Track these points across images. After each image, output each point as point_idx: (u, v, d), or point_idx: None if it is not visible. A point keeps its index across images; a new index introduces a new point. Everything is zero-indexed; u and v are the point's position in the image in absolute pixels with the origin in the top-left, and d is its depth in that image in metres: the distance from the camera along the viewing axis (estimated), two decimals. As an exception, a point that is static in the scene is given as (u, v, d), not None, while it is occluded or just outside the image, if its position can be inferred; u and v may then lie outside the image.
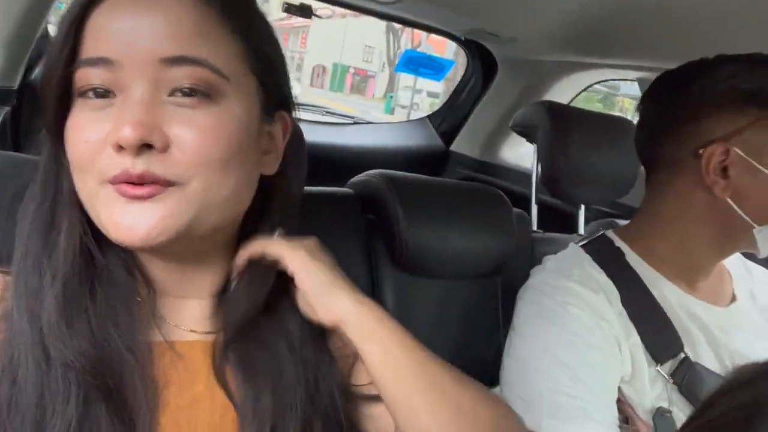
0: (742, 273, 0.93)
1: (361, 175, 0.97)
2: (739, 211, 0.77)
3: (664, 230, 0.85)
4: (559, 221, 1.33)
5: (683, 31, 1.05)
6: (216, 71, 0.49)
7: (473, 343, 0.96)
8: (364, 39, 21.48)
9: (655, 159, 0.86)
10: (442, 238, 0.92)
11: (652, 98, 0.87)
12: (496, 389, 0.81)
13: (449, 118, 1.97)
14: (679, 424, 0.75)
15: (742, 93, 0.77)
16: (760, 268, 0.97)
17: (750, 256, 0.99)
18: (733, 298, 0.88)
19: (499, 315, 0.98)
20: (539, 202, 1.45)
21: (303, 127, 0.72)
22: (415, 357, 0.56)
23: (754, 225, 0.77)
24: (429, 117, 2.05)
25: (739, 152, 0.76)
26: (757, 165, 0.75)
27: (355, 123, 2.12)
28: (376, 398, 0.62)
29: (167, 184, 0.48)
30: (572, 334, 0.77)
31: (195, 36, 0.48)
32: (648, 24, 1.05)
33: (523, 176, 1.55)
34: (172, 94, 0.48)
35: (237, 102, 0.51)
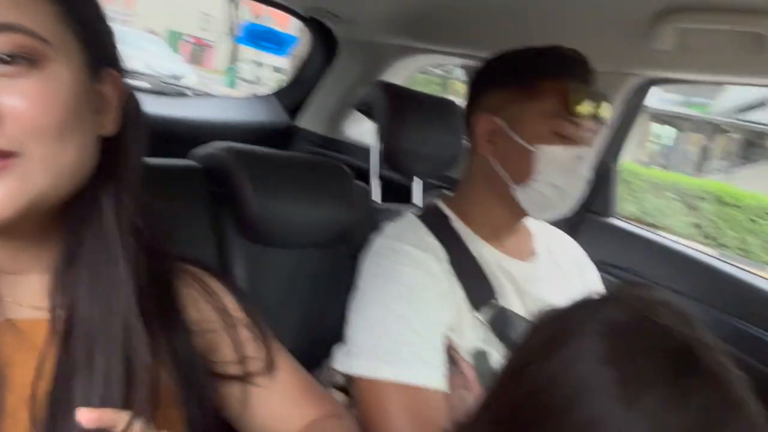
0: (543, 233, 1.11)
1: (205, 147, 0.97)
2: (501, 171, 0.93)
3: (471, 196, 1.00)
4: (398, 193, 1.44)
5: (497, 23, 1.20)
6: (34, 36, 0.48)
7: (322, 308, 1.02)
8: (199, 5, 20.20)
9: (467, 130, 1.01)
10: (289, 210, 0.96)
11: (468, 82, 1.02)
12: (342, 347, 0.89)
13: (295, 94, 1.99)
14: (493, 362, 0.90)
15: (506, 74, 0.95)
16: (556, 230, 1.16)
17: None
18: (535, 254, 1.05)
19: (345, 280, 1.05)
20: (379, 176, 1.56)
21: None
22: None
23: (513, 184, 0.93)
24: (275, 93, 2.06)
25: (499, 121, 0.92)
26: (511, 133, 0.92)
27: (194, 95, 2.05)
28: (240, 378, 0.66)
29: (6, 155, 0.47)
30: (406, 290, 0.87)
31: (8, 2, 0.47)
32: (468, 15, 1.19)
33: (366, 152, 1.64)
34: None
35: (61, 65, 0.50)
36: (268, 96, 2.06)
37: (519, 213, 0.97)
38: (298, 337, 0.98)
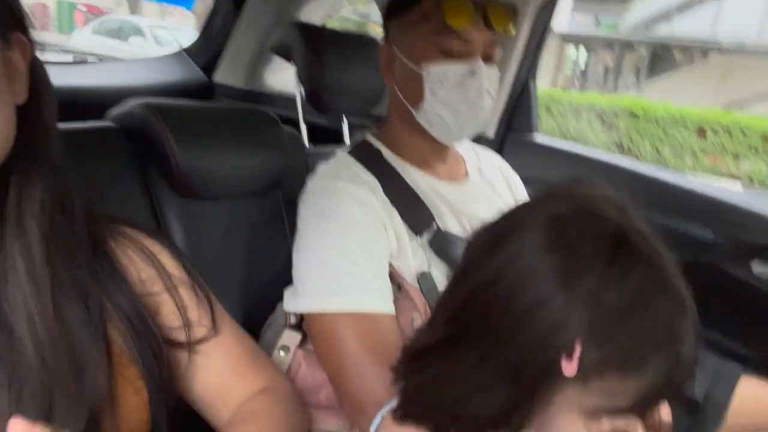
0: (471, 155, 1.15)
1: (121, 107, 0.93)
2: (402, 98, 0.96)
3: (395, 127, 1.02)
4: (328, 137, 1.44)
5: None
6: None
7: (263, 255, 1.03)
8: (88, -29, 18.59)
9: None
10: (218, 161, 0.95)
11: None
12: (290, 288, 0.91)
13: (208, 49, 1.91)
14: (437, 282, 0.94)
15: (399, 6, 0.95)
16: (487, 150, 1.20)
17: (478, 140, 1.22)
18: (467, 176, 1.09)
19: (285, 226, 1.06)
20: (308, 122, 1.54)
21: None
22: None
23: (412, 109, 0.95)
24: (185, 50, 1.96)
25: (394, 49, 0.95)
26: (401, 57, 0.94)
27: (101, 61, 1.93)
28: (185, 345, 0.66)
29: None
30: (346, 225, 0.89)
31: None
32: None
33: (291, 101, 1.61)
34: None
35: None
36: (177, 53, 1.97)
37: (435, 138, 0.99)
38: (242, 290, 0.98)
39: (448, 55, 0.91)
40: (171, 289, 0.66)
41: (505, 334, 0.47)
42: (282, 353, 0.87)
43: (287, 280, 0.91)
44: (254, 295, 0.99)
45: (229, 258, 0.98)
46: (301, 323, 0.90)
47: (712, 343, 1.12)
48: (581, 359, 0.45)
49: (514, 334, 0.47)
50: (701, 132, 8.98)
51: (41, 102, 0.57)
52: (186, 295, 0.68)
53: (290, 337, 0.88)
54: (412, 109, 0.95)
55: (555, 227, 0.49)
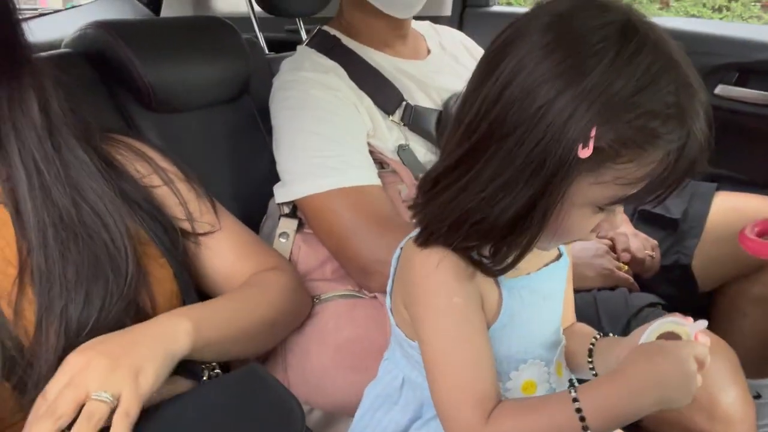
0: (431, 32, 1.15)
1: (72, 33, 0.92)
2: None
3: (348, 11, 1.01)
4: (287, 49, 1.42)
5: None
6: None
7: (245, 159, 1.05)
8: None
9: None
10: (182, 71, 0.95)
11: None
12: (279, 183, 0.94)
13: (148, -17, 1.85)
14: (416, 154, 0.97)
15: None
16: (445, 27, 1.20)
17: (436, 20, 1.22)
18: (429, 52, 1.10)
19: (261, 129, 1.07)
20: (269, 42, 1.52)
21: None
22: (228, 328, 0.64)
23: None
24: (125, -12, 1.89)
25: None
26: None
27: (40, 15, 1.86)
28: (191, 234, 0.70)
29: None
30: (318, 111, 0.91)
31: None
32: None
33: (243, 21, 1.57)
34: None
35: None
36: (118, -6, 1.90)
37: (391, 17, 0.98)
38: (231, 194, 1.00)
39: None
40: (169, 182, 0.70)
41: (524, 131, 0.48)
42: (282, 240, 0.91)
43: (274, 179, 0.93)
44: (244, 199, 1.01)
45: (213, 167, 1.00)
46: (295, 211, 0.93)
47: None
48: (596, 140, 0.47)
49: (533, 129, 0.48)
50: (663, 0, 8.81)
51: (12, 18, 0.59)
52: (183, 188, 0.72)
53: (287, 224, 0.92)
54: None
55: (558, 23, 0.49)
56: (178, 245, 0.67)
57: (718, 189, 1.13)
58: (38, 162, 0.58)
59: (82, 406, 0.49)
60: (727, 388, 0.79)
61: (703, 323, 0.56)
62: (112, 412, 0.49)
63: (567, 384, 0.63)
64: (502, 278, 0.57)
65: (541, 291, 0.61)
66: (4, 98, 0.58)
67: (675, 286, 1.07)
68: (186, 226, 0.71)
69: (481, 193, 0.51)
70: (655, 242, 1.03)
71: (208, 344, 0.60)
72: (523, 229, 0.51)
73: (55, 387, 0.50)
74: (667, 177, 0.50)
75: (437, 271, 0.54)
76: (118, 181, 0.64)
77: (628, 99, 0.47)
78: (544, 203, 0.50)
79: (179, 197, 0.71)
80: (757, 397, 1.05)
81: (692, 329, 0.55)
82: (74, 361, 0.51)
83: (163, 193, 0.70)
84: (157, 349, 0.54)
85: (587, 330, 0.68)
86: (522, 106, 0.49)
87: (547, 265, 0.62)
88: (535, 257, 0.58)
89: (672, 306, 0.86)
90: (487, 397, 0.52)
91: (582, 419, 0.50)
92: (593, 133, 0.47)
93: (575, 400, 0.50)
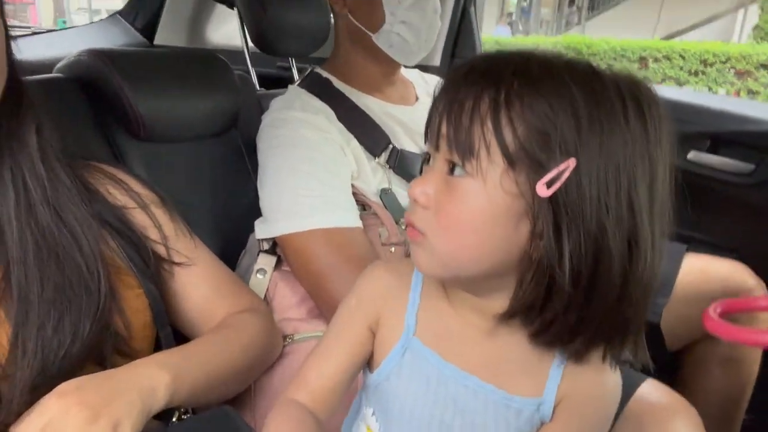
0: (420, 81, 1.19)
1: (66, 59, 0.93)
2: (358, 24, 0.99)
3: (344, 56, 1.04)
4: (278, 86, 1.45)
5: None
6: None
7: (229, 193, 1.05)
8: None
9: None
10: (172, 103, 0.96)
11: None
12: (260, 219, 0.94)
13: (144, 11, 1.86)
14: (399, 198, 0.99)
15: None
16: (434, 76, 1.24)
17: (424, 69, 1.26)
18: (417, 99, 1.13)
19: (246, 165, 1.08)
20: (261, 76, 1.55)
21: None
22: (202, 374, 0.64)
23: (370, 33, 0.99)
24: (120, 13, 1.91)
25: None
26: None
27: (33, 33, 1.87)
28: (167, 261, 0.70)
29: None
30: (305, 150, 0.92)
31: None
32: None
33: (236, 54, 1.60)
34: None
35: None
36: (111, 17, 1.91)
37: (389, 62, 1.03)
38: (212, 227, 1.00)
39: None
40: (144, 206, 0.70)
41: None
42: (260, 276, 0.91)
43: (256, 215, 0.94)
44: (225, 233, 1.01)
45: (197, 199, 1.00)
46: (274, 248, 0.93)
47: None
48: None
49: None
50: (643, 61, 9.22)
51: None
52: (159, 212, 0.72)
53: (266, 260, 0.92)
54: (370, 33, 0.97)
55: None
56: (150, 265, 0.67)
57: (687, 250, 1.16)
58: (27, 181, 0.59)
59: None
60: None
61: None
62: None
63: None
64: (410, 331, 0.55)
65: (455, 393, 0.53)
66: (4, 123, 0.59)
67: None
68: (161, 250, 0.71)
69: None
70: None
71: (184, 396, 0.59)
72: None
73: (30, 429, 0.49)
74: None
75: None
76: (94, 204, 0.64)
77: None
78: None
79: (154, 220, 0.71)
80: (720, 458, 1.06)
81: None
82: (52, 405, 0.50)
83: (138, 215, 0.70)
84: (136, 404, 0.53)
85: None
86: None
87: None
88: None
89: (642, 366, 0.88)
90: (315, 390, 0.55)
91: None
92: None
93: None
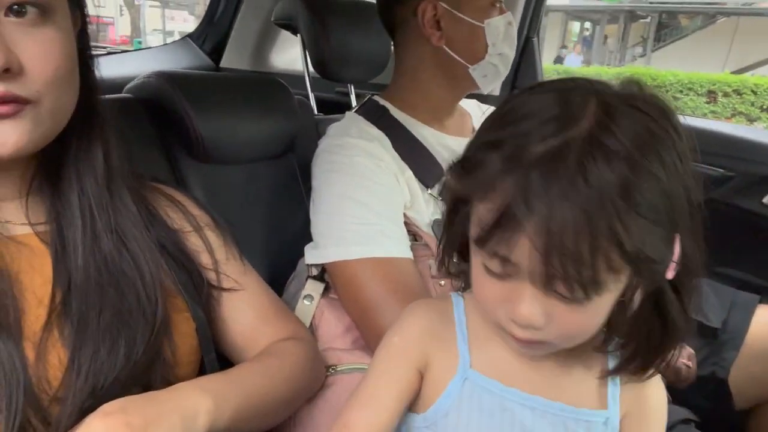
0: (477, 111, 1.17)
1: (136, 80, 0.97)
2: (454, 55, 0.98)
3: (409, 83, 1.04)
4: (337, 111, 1.46)
5: None
6: None
7: (281, 217, 1.06)
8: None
9: (392, 24, 1.03)
10: (233, 126, 0.98)
11: None
12: (311, 244, 0.94)
13: (213, 35, 1.94)
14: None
15: None
16: (489, 107, 1.22)
17: (483, 99, 1.24)
18: (473, 131, 1.11)
19: (300, 188, 1.09)
20: (319, 101, 1.57)
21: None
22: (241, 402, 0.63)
23: (468, 65, 0.98)
24: (190, 36, 2.00)
25: (444, 5, 0.96)
26: (458, 14, 0.95)
27: (108, 53, 1.97)
28: (216, 287, 0.71)
29: (24, 102, 0.52)
30: (360, 177, 0.92)
31: None
32: None
33: (298, 79, 1.64)
34: (7, 14, 0.50)
35: (63, 13, 0.55)
36: (183, 41, 2.00)
37: (462, 93, 1.03)
38: (264, 250, 1.01)
39: (495, 6, 0.96)
40: (198, 229, 0.71)
41: None
42: (306, 302, 0.90)
43: (306, 239, 0.94)
44: (275, 255, 1.02)
45: (250, 220, 1.01)
46: (323, 274, 0.93)
47: (728, 275, 1.14)
48: None
49: None
50: (711, 95, 8.88)
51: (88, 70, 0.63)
52: (212, 236, 0.73)
53: (313, 287, 0.91)
54: (468, 65, 0.97)
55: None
56: (202, 293, 0.67)
57: (761, 302, 1.08)
58: (93, 208, 0.60)
59: None
60: None
61: None
62: None
63: None
64: (466, 363, 0.54)
65: (521, 417, 0.52)
66: (74, 144, 0.61)
67: (709, 400, 1.01)
68: (211, 276, 0.71)
69: None
70: (692, 351, 0.99)
71: (225, 423, 0.59)
72: None
73: None
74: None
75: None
76: (154, 228, 0.65)
77: None
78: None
79: (207, 244, 0.72)
80: None
81: None
82: (97, 425, 0.51)
83: (192, 239, 0.71)
84: (177, 427, 0.53)
85: None
86: None
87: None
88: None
89: (705, 423, 0.81)
90: None
91: None
92: None
93: None
